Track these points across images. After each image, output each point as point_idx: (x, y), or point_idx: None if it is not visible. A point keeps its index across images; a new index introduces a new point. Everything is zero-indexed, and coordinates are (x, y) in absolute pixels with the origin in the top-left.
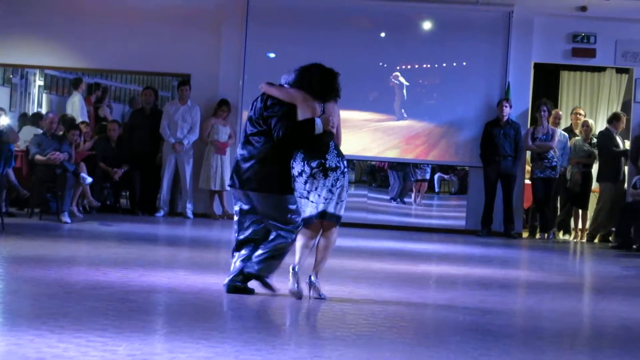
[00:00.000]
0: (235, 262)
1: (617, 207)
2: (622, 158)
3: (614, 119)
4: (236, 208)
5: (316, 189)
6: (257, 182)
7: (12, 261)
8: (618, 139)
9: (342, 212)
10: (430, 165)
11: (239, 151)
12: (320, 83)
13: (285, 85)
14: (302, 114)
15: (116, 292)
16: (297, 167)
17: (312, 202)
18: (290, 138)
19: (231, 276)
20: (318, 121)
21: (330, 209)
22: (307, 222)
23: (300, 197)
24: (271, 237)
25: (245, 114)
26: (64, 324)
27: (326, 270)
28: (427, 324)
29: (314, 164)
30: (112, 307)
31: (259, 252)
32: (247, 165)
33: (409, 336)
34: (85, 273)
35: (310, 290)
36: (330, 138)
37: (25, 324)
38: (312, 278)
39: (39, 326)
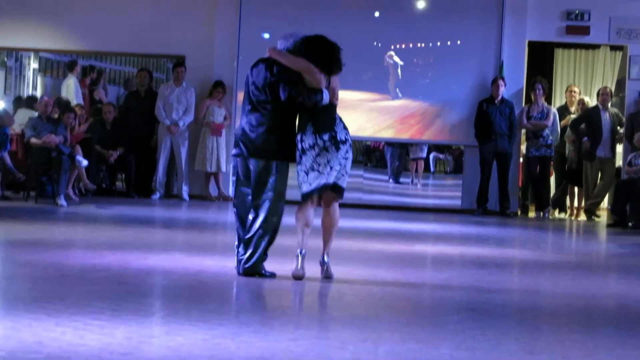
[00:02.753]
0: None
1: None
2: (598, 136)
3: (597, 94)
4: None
5: (328, 161)
6: (270, 150)
7: (9, 245)
8: (606, 116)
9: (345, 184)
10: (427, 144)
11: (246, 119)
12: (327, 57)
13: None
14: (307, 84)
15: (113, 275)
16: (307, 140)
17: (321, 173)
18: (296, 101)
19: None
20: (326, 92)
21: (341, 182)
22: (308, 196)
23: (304, 172)
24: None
25: (240, 95)
26: (60, 308)
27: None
28: (423, 304)
29: (325, 137)
30: (108, 290)
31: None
32: (257, 132)
33: (406, 316)
34: (82, 256)
35: (322, 270)
36: (335, 111)
37: (22, 307)
38: (326, 258)
39: (36, 310)
